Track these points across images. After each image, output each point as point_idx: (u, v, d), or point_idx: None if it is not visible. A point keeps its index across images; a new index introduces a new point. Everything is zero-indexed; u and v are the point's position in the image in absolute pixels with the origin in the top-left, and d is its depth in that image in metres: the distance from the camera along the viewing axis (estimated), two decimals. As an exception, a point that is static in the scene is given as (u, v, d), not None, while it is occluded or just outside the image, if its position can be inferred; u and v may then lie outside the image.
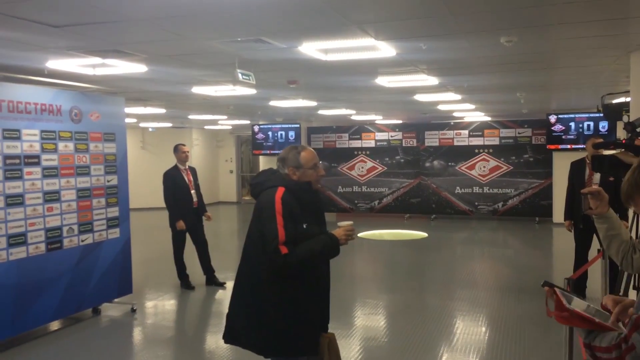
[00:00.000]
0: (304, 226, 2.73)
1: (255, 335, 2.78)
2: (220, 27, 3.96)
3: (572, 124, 12.19)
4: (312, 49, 4.72)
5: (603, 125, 11.99)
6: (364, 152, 14.31)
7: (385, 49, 4.73)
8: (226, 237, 12.41)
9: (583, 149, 12.07)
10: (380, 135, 14.19)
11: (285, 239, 2.64)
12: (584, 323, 1.57)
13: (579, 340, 1.71)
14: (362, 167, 14.34)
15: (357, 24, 3.88)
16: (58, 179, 5.47)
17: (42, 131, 5.29)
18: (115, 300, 6.26)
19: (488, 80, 7.10)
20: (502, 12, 3.63)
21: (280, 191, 2.74)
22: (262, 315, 2.75)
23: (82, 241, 5.74)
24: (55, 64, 5.28)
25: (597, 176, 6.00)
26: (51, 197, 5.39)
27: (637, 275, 4.12)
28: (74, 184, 5.65)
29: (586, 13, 3.74)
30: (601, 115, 11.91)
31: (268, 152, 14.69)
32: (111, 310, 6.27)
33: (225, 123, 15.92)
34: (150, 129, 16.39)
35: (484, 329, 5.67)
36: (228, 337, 2.94)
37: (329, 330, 2.99)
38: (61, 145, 5.51)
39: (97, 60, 5.10)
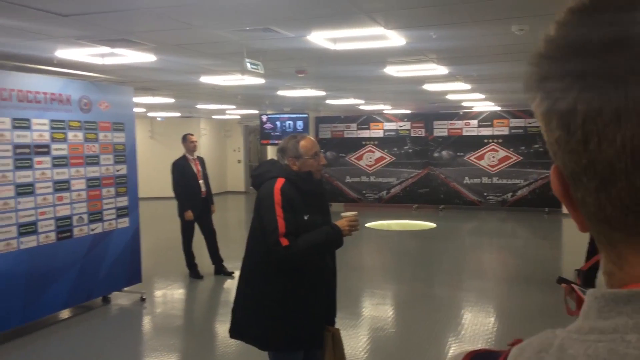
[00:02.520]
0: (305, 217, 2.69)
1: (257, 328, 2.75)
2: (229, 16, 3.94)
3: (583, 114, 12.05)
4: (320, 38, 4.69)
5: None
6: (372, 142, 14.24)
7: (395, 38, 4.69)
8: (234, 227, 12.44)
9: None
10: (389, 125, 14.12)
11: (285, 230, 2.60)
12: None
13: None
14: (371, 157, 14.29)
15: (366, 13, 3.84)
16: (68, 168, 5.48)
17: (51, 120, 5.30)
18: (125, 289, 6.30)
19: (498, 70, 7.03)
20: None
21: (279, 182, 2.70)
22: (264, 308, 2.72)
23: (92, 230, 5.77)
24: (64, 53, 5.28)
25: None
26: (61, 186, 5.41)
27: None
28: (83, 173, 5.67)
29: None
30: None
31: (276, 142, 14.66)
32: (121, 299, 6.31)
33: (233, 113, 15.91)
34: (158, 119, 16.42)
35: (492, 320, 5.66)
36: (233, 332, 2.89)
37: (336, 324, 2.97)
38: (71, 135, 5.52)
39: (105, 49, 5.10)
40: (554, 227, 11.51)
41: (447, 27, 4.33)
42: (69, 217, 5.50)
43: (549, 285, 6.86)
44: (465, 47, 5.22)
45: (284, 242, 2.60)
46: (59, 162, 5.39)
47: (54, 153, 5.33)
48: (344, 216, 2.77)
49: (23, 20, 3.97)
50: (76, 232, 5.58)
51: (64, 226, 5.43)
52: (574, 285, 1.70)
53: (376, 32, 4.40)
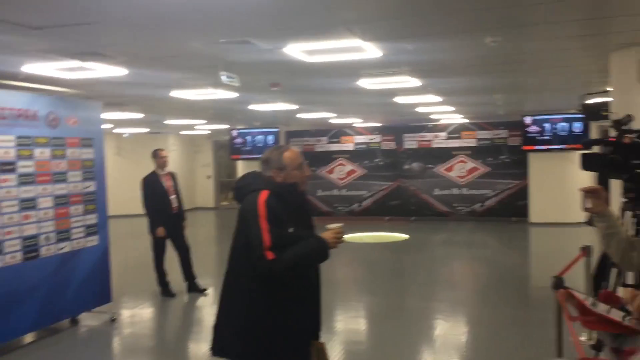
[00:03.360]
0: (290, 230, 2.62)
1: (242, 345, 2.66)
2: (205, 28, 3.88)
3: (547, 125, 12.37)
4: (296, 50, 4.67)
5: (577, 126, 12.20)
6: (343, 156, 14.29)
7: (372, 50, 4.70)
8: (205, 243, 12.23)
9: (558, 149, 12.33)
10: (359, 139, 14.20)
11: (270, 244, 2.53)
12: (612, 327, 1.52)
13: (574, 339, 1.66)
14: (342, 171, 14.33)
15: (344, 24, 3.84)
16: (35, 186, 5.29)
17: (17, 137, 5.11)
18: (94, 309, 6.08)
19: (469, 82, 7.14)
20: (489, 10, 3.63)
21: (263, 194, 2.63)
22: (249, 324, 2.63)
23: (60, 250, 5.56)
24: (32, 67, 5.11)
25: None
26: (27, 204, 5.21)
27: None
28: (51, 191, 5.47)
29: (571, 12, 3.78)
30: (575, 116, 12.18)
31: (246, 157, 14.56)
32: (90, 319, 6.09)
33: (202, 128, 15.74)
34: (125, 135, 16.10)
35: (465, 329, 5.71)
36: (216, 350, 2.77)
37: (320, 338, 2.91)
38: (37, 152, 5.33)
39: (75, 63, 4.96)
40: (521, 236, 11.72)
41: (423, 38, 4.37)
42: (36, 237, 5.29)
43: (519, 293, 6.99)
44: (440, 59, 5.28)
45: (270, 255, 2.53)
46: (26, 179, 5.20)
47: (20, 170, 5.14)
48: (329, 228, 2.71)
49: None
50: (43, 251, 5.37)
51: (30, 246, 5.22)
52: (572, 291, 1.69)
53: (353, 44, 4.40)
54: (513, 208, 13.01)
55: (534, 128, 12.44)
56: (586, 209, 2.45)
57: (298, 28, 3.93)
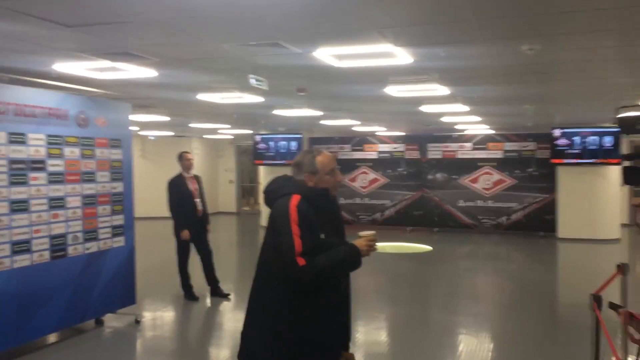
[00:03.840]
0: (322, 236, 2.57)
1: (273, 354, 2.59)
2: (237, 29, 3.86)
3: (577, 138, 12.13)
4: (326, 54, 4.63)
5: (608, 140, 11.93)
6: (366, 164, 14.21)
7: (403, 56, 4.64)
8: (227, 248, 12.24)
9: (588, 163, 12.08)
10: (383, 147, 14.11)
11: (302, 249, 2.47)
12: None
13: None
14: (364, 179, 14.24)
15: (377, 28, 3.78)
16: (64, 185, 5.34)
17: (48, 136, 5.17)
18: (119, 311, 6.09)
19: (500, 91, 7.02)
20: (530, 17, 3.54)
21: (295, 199, 2.57)
22: (277, 333, 2.56)
23: (87, 249, 5.59)
24: (63, 66, 5.16)
25: None
26: (56, 203, 5.25)
27: None
28: (79, 190, 5.51)
29: (612, 21, 3.67)
30: (606, 129, 11.92)
31: (269, 162, 14.55)
32: (115, 321, 6.10)
33: (225, 132, 15.81)
34: (150, 137, 16.27)
35: (491, 345, 5.56)
36: (243, 358, 2.70)
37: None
38: (67, 151, 5.39)
39: (106, 63, 4.99)
40: (549, 251, 11.47)
41: (458, 44, 4.29)
42: (64, 236, 5.33)
43: (544, 309, 6.82)
44: (472, 66, 5.18)
45: (301, 261, 2.46)
46: (55, 178, 5.24)
47: (50, 169, 5.19)
48: (362, 235, 2.64)
49: (25, 29, 3.85)
50: (70, 251, 5.40)
51: (58, 245, 5.26)
52: (632, 311, 1.59)
53: (384, 49, 4.35)
54: (540, 222, 12.76)
55: (563, 141, 12.21)
56: (637, 224, 2.33)
57: (330, 31, 3.89)
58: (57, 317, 5.25)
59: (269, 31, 3.91)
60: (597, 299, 3.92)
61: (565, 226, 12.39)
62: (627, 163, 4.67)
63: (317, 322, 2.59)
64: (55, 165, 5.25)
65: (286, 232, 2.50)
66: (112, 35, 4.01)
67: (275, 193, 2.72)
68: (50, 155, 5.20)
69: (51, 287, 5.17)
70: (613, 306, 1.77)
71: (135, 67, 5.17)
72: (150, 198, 13.53)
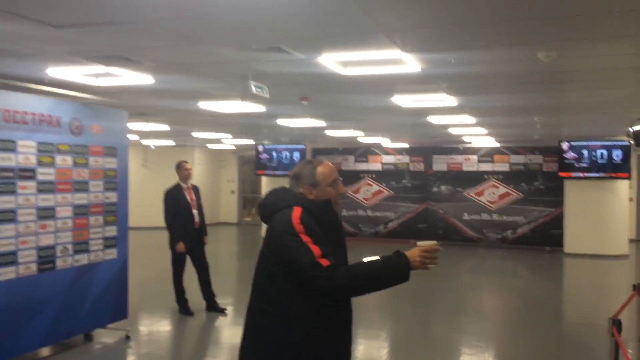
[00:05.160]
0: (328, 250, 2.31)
1: None
2: (238, 31, 3.64)
3: (585, 152, 11.88)
4: (331, 60, 4.41)
5: (617, 154, 11.68)
6: (369, 175, 13.98)
7: (411, 63, 4.42)
8: (227, 260, 11.98)
9: (596, 177, 11.82)
10: (387, 159, 13.89)
11: (321, 252, 2.22)
12: None
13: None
14: (368, 191, 14.01)
15: (385, 32, 3.56)
16: (54, 194, 5.11)
17: (39, 143, 4.95)
18: (109, 325, 5.84)
19: (508, 101, 6.79)
20: (549, 20, 3.30)
21: (297, 211, 2.34)
22: (283, 357, 2.32)
23: (77, 262, 5.35)
24: (56, 71, 4.96)
25: None
26: (45, 213, 5.02)
27: None
28: (70, 200, 5.28)
29: (635, 25, 3.44)
30: (614, 143, 11.67)
31: (272, 172, 14.33)
32: (105, 336, 5.85)
33: (228, 142, 15.62)
34: (151, 147, 16.09)
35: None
36: None
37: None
38: (59, 159, 5.16)
39: (100, 68, 4.78)
40: (556, 267, 11.20)
41: (468, 50, 4.06)
42: (53, 247, 5.09)
43: (550, 328, 6.54)
44: (483, 74, 4.95)
45: (325, 262, 2.20)
46: (45, 187, 5.02)
47: (40, 178, 4.97)
48: (420, 245, 2.30)
49: (13, 29, 3.64)
50: (59, 263, 5.16)
51: (46, 257, 5.02)
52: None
53: (392, 55, 4.12)
54: (547, 237, 12.48)
55: (571, 154, 11.97)
56: None
57: (335, 35, 3.67)
58: (42, 332, 5.00)
59: (272, 35, 3.70)
60: (616, 323, 3.66)
61: (572, 241, 12.11)
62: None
63: (327, 344, 2.35)
64: (45, 174, 5.02)
65: (297, 246, 2.26)
66: (104, 38, 3.81)
67: (273, 206, 2.48)
68: (41, 164, 4.98)
69: (38, 300, 4.92)
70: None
71: (130, 73, 4.96)
72: (152, 208, 13.22)
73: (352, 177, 13.96)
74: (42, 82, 5.38)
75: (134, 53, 4.27)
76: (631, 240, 12.89)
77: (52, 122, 5.08)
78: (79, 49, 4.17)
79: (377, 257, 2.31)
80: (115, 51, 4.20)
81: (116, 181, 5.84)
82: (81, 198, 5.40)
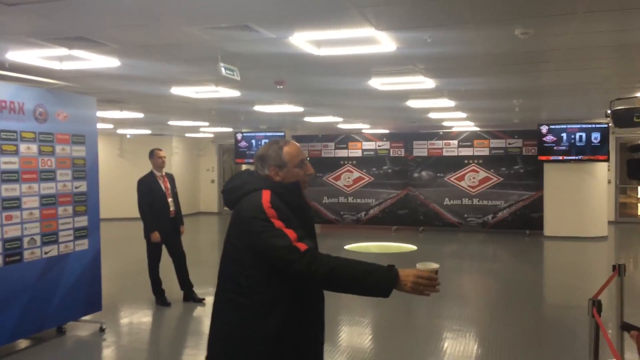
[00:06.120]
0: None
1: None
2: (203, 9, 3.47)
3: (564, 135, 11.92)
4: (303, 40, 4.27)
5: (595, 137, 11.73)
6: (350, 162, 13.88)
7: (386, 42, 4.30)
8: (206, 250, 11.82)
9: (575, 160, 11.87)
10: (368, 145, 13.79)
11: (297, 235, 2.09)
12: None
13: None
14: (349, 178, 13.91)
15: (358, 7, 3.42)
16: (19, 184, 4.91)
17: (1, 131, 4.74)
18: (83, 318, 5.68)
19: (486, 83, 6.71)
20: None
21: (266, 194, 2.20)
22: (253, 350, 2.18)
23: (46, 253, 5.17)
24: (17, 55, 4.73)
25: None
26: (10, 204, 4.82)
27: None
28: (37, 190, 5.09)
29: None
30: (593, 126, 11.72)
31: (251, 160, 14.15)
32: (78, 329, 5.69)
33: (207, 131, 15.39)
34: (128, 136, 15.80)
35: (474, 348, 5.30)
36: None
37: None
38: (23, 147, 4.96)
39: (63, 51, 4.57)
40: (536, 250, 11.25)
41: (445, 28, 3.94)
42: (19, 239, 4.91)
43: (531, 311, 6.54)
44: (460, 54, 4.84)
45: (302, 246, 2.07)
46: (9, 177, 4.82)
47: (3, 167, 4.77)
48: (419, 267, 2.13)
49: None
50: (27, 255, 4.98)
51: (12, 249, 4.84)
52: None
53: (366, 33, 3.99)
54: (527, 220, 12.53)
55: (550, 137, 11.99)
56: None
57: (305, 11, 3.52)
58: (12, 326, 4.83)
59: (239, 11, 3.53)
60: (596, 304, 3.60)
61: (552, 224, 12.18)
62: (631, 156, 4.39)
63: (300, 337, 2.23)
64: (8, 163, 4.82)
65: (269, 230, 2.12)
66: (63, 17, 3.61)
67: (238, 191, 2.35)
68: (3, 152, 4.77)
69: (5, 294, 4.74)
70: (626, 327, 1.45)
71: (94, 56, 4.76)
72: (129, 198, 13.04)
73: (333, 164, 13.84)
74: (2, 67, 5.14)
75: (97, 34, 4.07)
76: (610, 222, 13.01)
77: (14, 108, 4.87)
78: (38, 30, 3.97)
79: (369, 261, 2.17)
80: (76, 31, 4.00)
81: (85, 170, 5.65)
82: (48, 188, 5.21)
